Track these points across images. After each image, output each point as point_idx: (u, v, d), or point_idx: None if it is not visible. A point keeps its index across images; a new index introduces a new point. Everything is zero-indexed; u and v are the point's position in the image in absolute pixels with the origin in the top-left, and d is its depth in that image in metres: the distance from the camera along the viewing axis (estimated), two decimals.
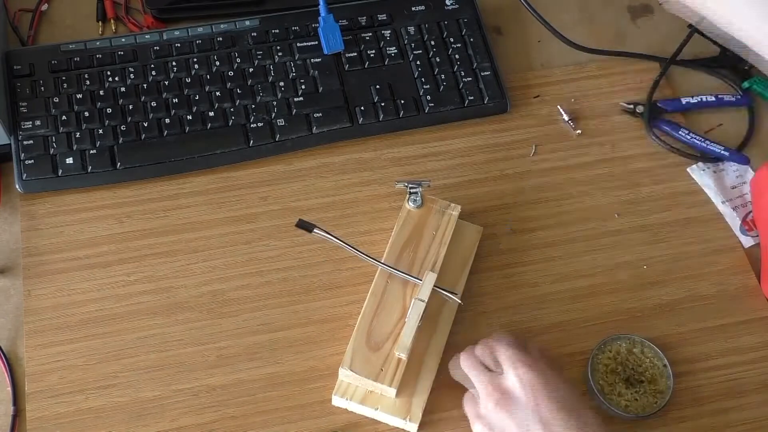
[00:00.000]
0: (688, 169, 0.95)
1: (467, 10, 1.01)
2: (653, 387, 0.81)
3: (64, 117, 0.91)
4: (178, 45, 0.96)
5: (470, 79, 0.97)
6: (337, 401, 0.79)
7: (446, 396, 0.80)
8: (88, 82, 0.93)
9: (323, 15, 0.96)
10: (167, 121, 0.92)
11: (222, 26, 0.98)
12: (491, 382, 0.73)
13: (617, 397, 0.81)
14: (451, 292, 0.81)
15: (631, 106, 0.97)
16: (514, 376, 0.71)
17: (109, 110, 0.92)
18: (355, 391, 0.79)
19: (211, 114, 0.93)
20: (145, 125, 0.91)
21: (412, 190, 0.85)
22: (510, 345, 0.74)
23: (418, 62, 0.97)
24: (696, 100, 0.98)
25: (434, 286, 0.80)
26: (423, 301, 0.79)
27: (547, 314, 0.86)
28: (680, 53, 1.02)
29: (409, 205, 0.86)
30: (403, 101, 0.95)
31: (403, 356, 0.77)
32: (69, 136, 0.90)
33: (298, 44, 0.97)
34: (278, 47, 0.97)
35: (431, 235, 0.84)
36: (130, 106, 0.92)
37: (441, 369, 0.81)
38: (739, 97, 0.99)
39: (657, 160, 0.96)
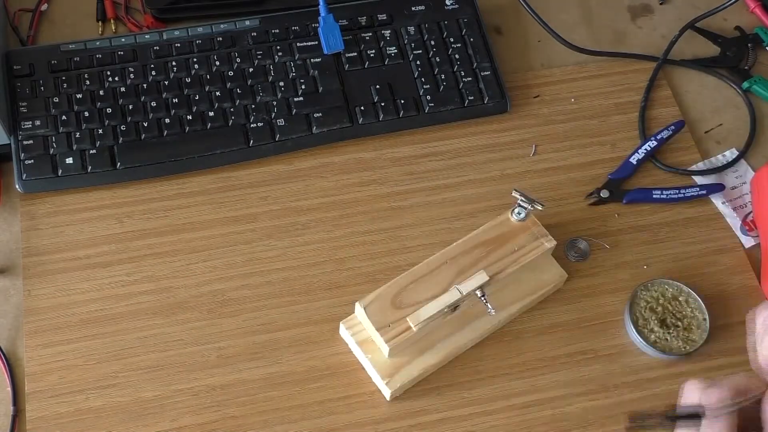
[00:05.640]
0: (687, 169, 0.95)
1: (467, 10, 1.01)
2: (686, 334, 0.83)
3: (64, 117, 0.91)
4: (178, 45, 0.96)
5: (470, 79, 0.97)
6: (342, 332, 0.82)
7: (437, 399, 0.81)
8: (88, 82, 0.93)
9: (323, 15, 0.96)
10: (167, 121, 0.92)
11: (222, 26, 0.98)
12: None
13: (648, 331, 0.83)
14: (489, 303, 0.79)
15: (595, 196, 0.92)
16: None
17: (109, 110, 0.92)
18: (360, 331, 0.80)
19: (211, 114, 0.93)
20: (145, 125, 0.91)
21: (521, 204, 0.83)
22: None
23: (418, 62, 0.97)
24: (659, 195, 0.92)
25: (479, 288, 0.79)
26: (460, 293, 0.79)
27: (547, 314, 0.86)
28: (681, 54, 1.02)
29: (512, 216, 0.84)
30: (403, 101, 0.95)
31: (413, 326, 0.77)
32: (69, 136, 0.90)
33: (298, 44, 0.97)
34: (278, 47, 0.97)
35: (512, 250, 0.82)
36: (130, 106, 0.92)
37: (448, 369, 0.82)
38: (698, 190, 0.92)
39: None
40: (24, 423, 0.78)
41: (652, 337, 0.83)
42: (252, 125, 0.93)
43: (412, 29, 0.99)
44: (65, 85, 0.93)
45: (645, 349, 0.83)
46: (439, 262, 0.81)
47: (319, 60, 0.97)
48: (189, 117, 0.92)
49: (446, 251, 0.82)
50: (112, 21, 1.01)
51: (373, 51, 0.98)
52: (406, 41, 0.99)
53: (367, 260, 0.87)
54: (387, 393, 0.80)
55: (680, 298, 0.85)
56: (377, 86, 0.96)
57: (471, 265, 0.81)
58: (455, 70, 0.97)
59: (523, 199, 0.83)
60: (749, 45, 1.03)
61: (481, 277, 0.80)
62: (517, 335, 0.85)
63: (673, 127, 0.96)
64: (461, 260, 0.81)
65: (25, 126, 0.90)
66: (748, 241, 0.91)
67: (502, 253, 0.82)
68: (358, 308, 0.79)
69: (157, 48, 0.96)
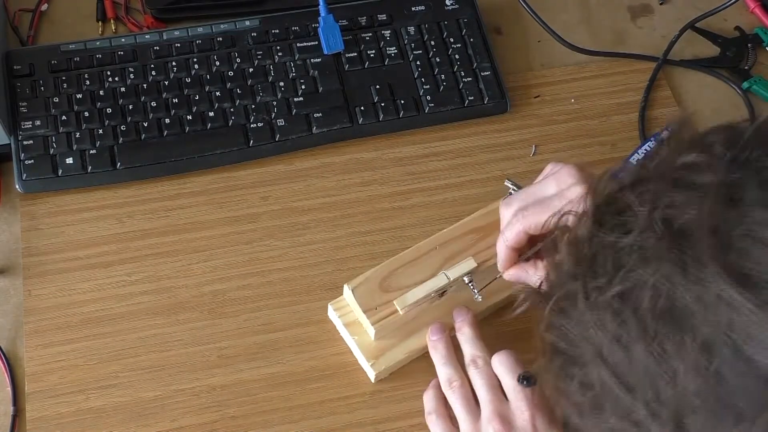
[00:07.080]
0: None
1: (467, 10, 1.01)
2: None
3: (64, 117, 0.91)
4: (178, 45, 0.96)
5: (470, 79, 0.97)
6: (330, 313, 0.83)
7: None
8: (88, 82, 0.93)
9: (323, 15, 0.96)
10: (167, 121, 0.92)
11: (222, 26, 0.98)
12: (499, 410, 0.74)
13: None
14: (476, 289, 0.80)
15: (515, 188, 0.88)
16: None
17: (109, 110, 0.92)
18: (347, 313, 0.81)
19: (211, 114, 0.93)
20: (145, 125, 0.91)
21: (513, 192, 0.83)
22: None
23: (418, 62, 0.97)
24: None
25: (467, 274, 0.80)
26: (447, 278, 0.79)
27: None
28: (681, 54, 1.02)
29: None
30: (403, 101, 0.95)
31: (400, 310, 0.78)
32: (69, 136, 0.90)
33: (298, 44, 0.97)
34: (278, 47, 0.97)
35: None
36: (130, 106, 0.92)
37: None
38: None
39: None
40: (24, 423, 0.78)
41: None
42: (252, 125, 0.93)
43: (412, 29, 0.99)
44: (65, 85, 0.93)
45: None
46: (429, 248, 0.82)
47: (319, 60, 0.97)
48: (189, 117, 0.92)
49: (436, 237, 0.82)
50: (112, 21, 1.01)
51: (373, 51, 0.98)
52: (406, 41, 0.99)
53: (368, 260, 0.87)
54: (372, 375, 0.80)
55: None
56: (377, 86, 0.96)
57: (460, 252, 0.81)
58: (455, 70, 0.97)
59: (514, 188, 0.84)
60: (749, 45, 1.03)
61: (469, 264, 0.80)
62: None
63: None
64: (451, 246, 0.82)
65: (25, 126, 0.90)
66: None
67: (491, 241, 0.82)
68: (346, 290, 0.79)
69: (157, 48, 0.96)
